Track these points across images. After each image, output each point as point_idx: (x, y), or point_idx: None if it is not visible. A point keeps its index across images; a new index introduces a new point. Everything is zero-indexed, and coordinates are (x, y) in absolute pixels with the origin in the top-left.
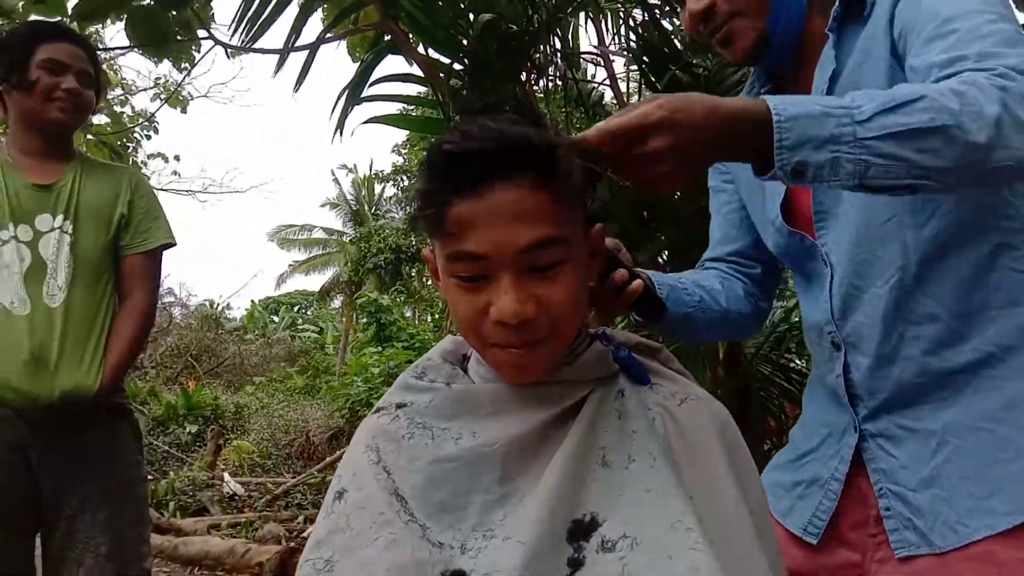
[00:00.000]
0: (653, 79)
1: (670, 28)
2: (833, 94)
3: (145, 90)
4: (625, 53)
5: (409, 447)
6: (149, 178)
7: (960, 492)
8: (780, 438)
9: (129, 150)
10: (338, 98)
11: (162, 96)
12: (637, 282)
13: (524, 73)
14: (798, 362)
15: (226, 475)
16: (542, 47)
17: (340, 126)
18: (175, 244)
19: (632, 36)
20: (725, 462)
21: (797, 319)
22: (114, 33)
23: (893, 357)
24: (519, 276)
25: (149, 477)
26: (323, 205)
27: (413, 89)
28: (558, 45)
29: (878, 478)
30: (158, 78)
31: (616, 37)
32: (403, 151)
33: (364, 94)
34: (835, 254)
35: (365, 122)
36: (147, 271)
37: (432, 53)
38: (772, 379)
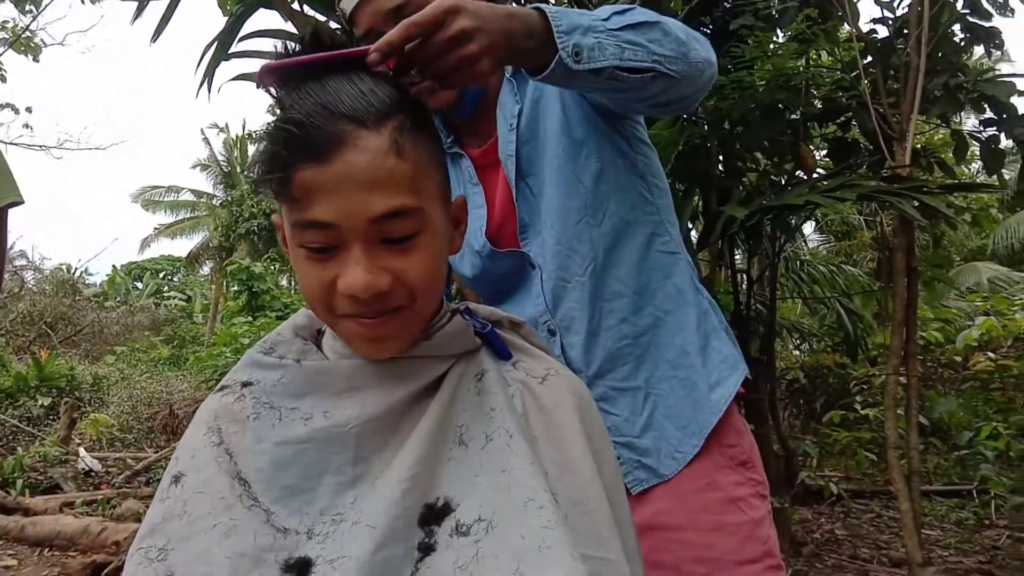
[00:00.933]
0: None
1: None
2: (520, 130)
3: None
4: None
5: (254, 428)
6: None
7: (669, 428)
8: None
9: None
10: (204, 52)
11: (7, 40)
12: None
13: None
14: None
15: (81, 450)
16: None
17: (208, 82)
18: (23, 202)
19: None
20: (582, 439)
21: None
22: None
23: (598, 331)
24: (371, 247)
25: None
26: (194, 166)
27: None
28: None
29: None
30: (5, 21)
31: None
32: (277, 110)
33: (234, 49)
34: (540, 257)
35: (235, 78)
36: None
37: (308, 10)
38: None
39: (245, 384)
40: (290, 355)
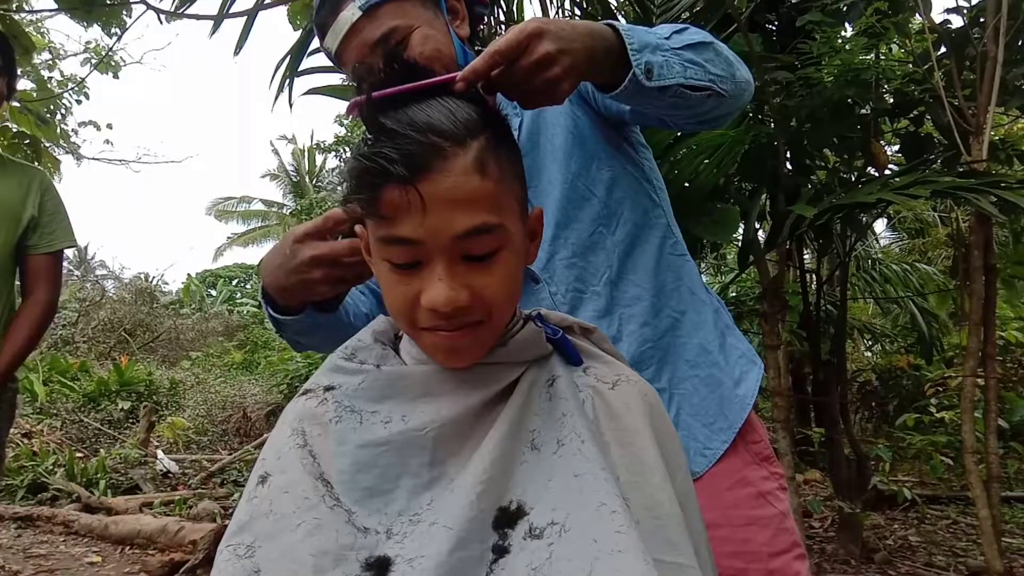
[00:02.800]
0: None
1: (614, 3)
2: (520, 141)
3: (75, 55)
4: None
5: (337, 431)
6: (80, 147)
7: (696, 426)
8: None
9: (57, 117)
10: (276, 67)
11: (92, 61)
12: None
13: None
14: None
15: (159, 452)
16: (487, 18)
17: (288, 96)
18: (76, 245)
19: (576, 11)
20: (653, 444)
21: (733, 294)
22: None
23: (619, 336)
24: (453, 263)
25: (79, 455)
26: (263, 176)
27: None
28: (502, 17)
29: None
30: (88, 42)
31: (560, 11)
32: (345, 121)
33: (305, 63)
34: (545, 271)
35: (306, 93)
36: (51, 270)
37: None
38: None
39: (328, 388)
40: (370, 360)
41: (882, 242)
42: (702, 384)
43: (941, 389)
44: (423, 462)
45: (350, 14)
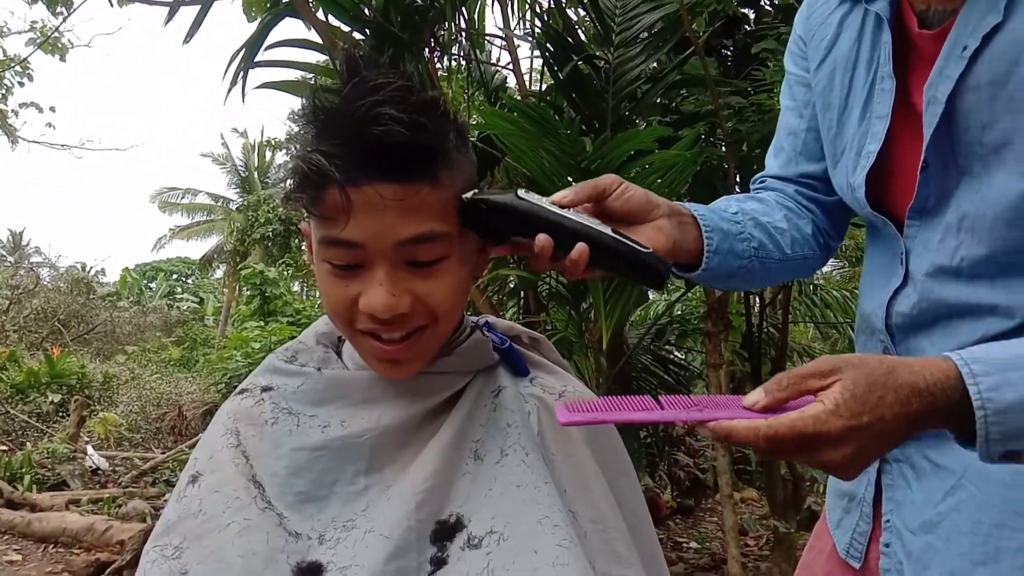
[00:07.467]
0: (556, 68)
1: (575, 18)
2: (985, 52)
3: (19, 33)
4: (529, 39)
5: (272, 432)
6: (18, 129)
7: (951, 549)
8: (657, 428)
9: None
10: (231, 60)
11: (37, 40)
12: (577, 249)
13: (427, 49)
14: (677, 354)
15: (89, 448)
16: (447, 24)
17: (242, 87)
18: None
19: (537, 22)
20: (596, 458)
21: (679, 312)
22: None
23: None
24: (395, 268)
25: (4, 448)
26: (204, 155)
27: (312, 56)
28: (463, 24)
29: (890, 507)
30: (34, 21)
31: (521, 22)
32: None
33: (259, 57)
34: (915, 261)
35: (259, 86)
36: None
37: (333, 20)
38: (651, 370)
39: (265, 388)
40: (311, 363)
41: (824, 268)
42: (1006, 505)
43: None
44: (359, 469)
45: None
